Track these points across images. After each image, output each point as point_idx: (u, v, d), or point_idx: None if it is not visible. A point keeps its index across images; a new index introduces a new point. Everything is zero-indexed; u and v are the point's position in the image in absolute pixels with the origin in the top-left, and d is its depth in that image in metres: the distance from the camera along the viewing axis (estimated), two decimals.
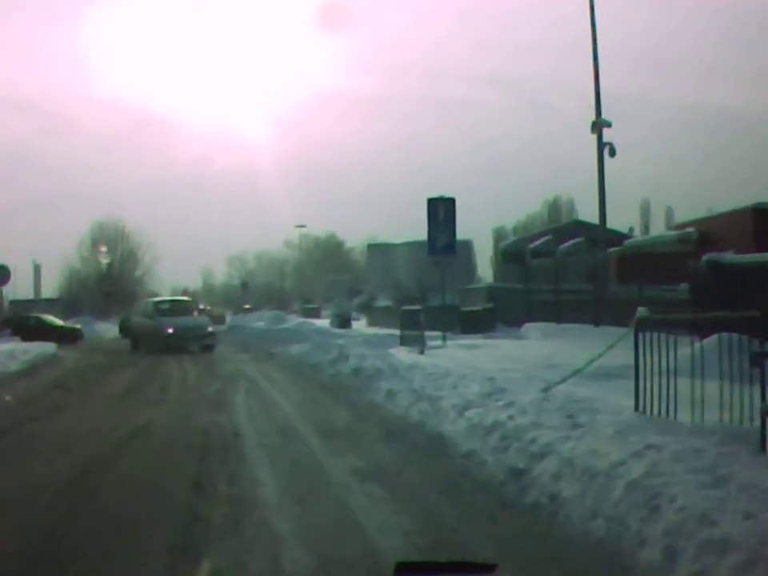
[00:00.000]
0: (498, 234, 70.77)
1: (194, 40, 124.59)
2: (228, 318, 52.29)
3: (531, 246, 35.09)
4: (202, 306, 54.34)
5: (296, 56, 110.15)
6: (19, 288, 61.39)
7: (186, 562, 4.29)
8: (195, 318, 25.90)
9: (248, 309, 57.44)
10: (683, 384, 6.93)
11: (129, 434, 8.44)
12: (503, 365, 13.95)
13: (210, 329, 25.16)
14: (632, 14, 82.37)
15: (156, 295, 44.69)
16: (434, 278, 24.33)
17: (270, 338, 25.59)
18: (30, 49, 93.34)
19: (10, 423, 9.32)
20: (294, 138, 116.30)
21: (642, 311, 7.38)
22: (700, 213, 30.53)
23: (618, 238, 30.48)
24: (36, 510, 5.31)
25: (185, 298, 35.08)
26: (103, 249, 62.03)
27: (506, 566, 3.82)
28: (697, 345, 7.69)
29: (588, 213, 63.54)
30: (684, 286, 19.28)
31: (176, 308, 26.65)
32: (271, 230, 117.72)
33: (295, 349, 18.93)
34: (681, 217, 59.46)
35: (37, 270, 64.33)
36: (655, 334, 7.37)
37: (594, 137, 23.68)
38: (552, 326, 24.27)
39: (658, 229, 62.44)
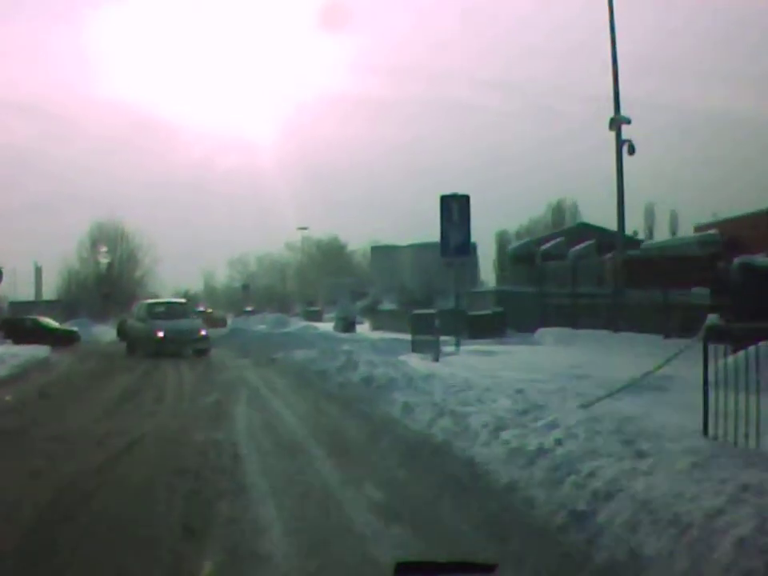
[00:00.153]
0: (501, 238, 69.80)
1: (198, 42, 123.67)
2: (229, 321, 51.25)
3: (542, 248, 34.03)
4: (202, 309, 53.52)
5: (300, 58, 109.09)
6: (20, 290, 60.76)
7: None
8: (188, 321, 24.61)
9: (250, 311, 56.55)
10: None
11: (111, 457, 7.34)
12: (526, 374, 13.06)
13: (203, 332, 24.01)
14: (632, 16, 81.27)
15: (156, 297, 43.60)
16: (442, 281, 23.35)
17: (273, 342, 24.47)
18: (32, 51, 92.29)
19: None
20: (297, 140, 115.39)
21: (712, 318, 6.30)
22: (705, 217, 29.64)
23: (627, 241, 29.53)
24: None
25: (180, 300, 33.71)
26: (103, 249, 61.04)
27: None
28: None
29: (592, 216, 62.81)
30: (698, 290, 18.29)
31: (169, 311, 25.46)
32: (273, 232, 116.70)
33: (299, 354, 17.88)
34: (685, 221, 58.68)
35: (38, 271, 63.55)
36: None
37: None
38: (568, 331, 23.28)
39: (662, 233, 61.53)
